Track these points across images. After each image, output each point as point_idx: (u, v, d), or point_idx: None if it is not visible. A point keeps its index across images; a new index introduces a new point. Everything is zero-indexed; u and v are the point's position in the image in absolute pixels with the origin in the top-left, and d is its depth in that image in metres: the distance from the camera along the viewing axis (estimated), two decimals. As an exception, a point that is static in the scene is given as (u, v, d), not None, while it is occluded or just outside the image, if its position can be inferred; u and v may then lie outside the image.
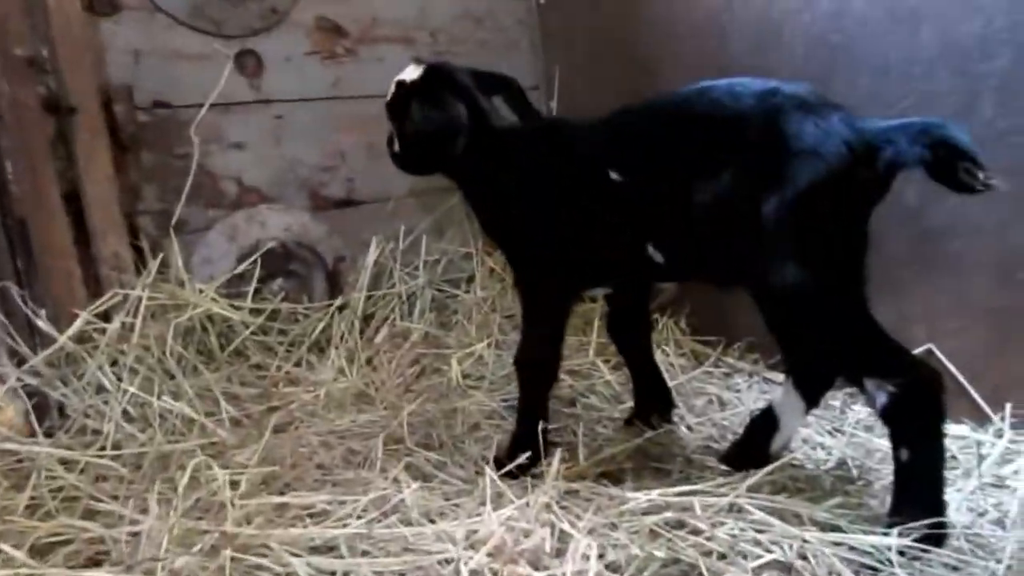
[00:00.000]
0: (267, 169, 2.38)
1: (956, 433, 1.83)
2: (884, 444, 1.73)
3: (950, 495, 1.49)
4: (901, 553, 1.35)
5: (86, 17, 2.00)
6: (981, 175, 1.24)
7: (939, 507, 1.37)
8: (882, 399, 1.34)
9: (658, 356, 2.40)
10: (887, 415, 1.36)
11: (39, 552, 1.46)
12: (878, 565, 1.35)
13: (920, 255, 1.96)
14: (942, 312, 1.95)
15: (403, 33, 2.62)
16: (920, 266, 1.97)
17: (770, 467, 1.63)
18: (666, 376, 2.06)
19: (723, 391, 2.20)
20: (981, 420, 1.85)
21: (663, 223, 1.54)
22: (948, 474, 1.55)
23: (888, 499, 1.46)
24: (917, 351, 1.94)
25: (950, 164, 1.25)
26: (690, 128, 1.48)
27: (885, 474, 1.67)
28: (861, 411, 1.96)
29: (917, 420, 1.36)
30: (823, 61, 2.08)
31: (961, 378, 1.90)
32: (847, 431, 1.87)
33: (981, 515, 1.54)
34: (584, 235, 1.67)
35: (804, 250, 1.35)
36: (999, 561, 1.37)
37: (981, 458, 1.69)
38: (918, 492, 1.39)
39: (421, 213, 2.65)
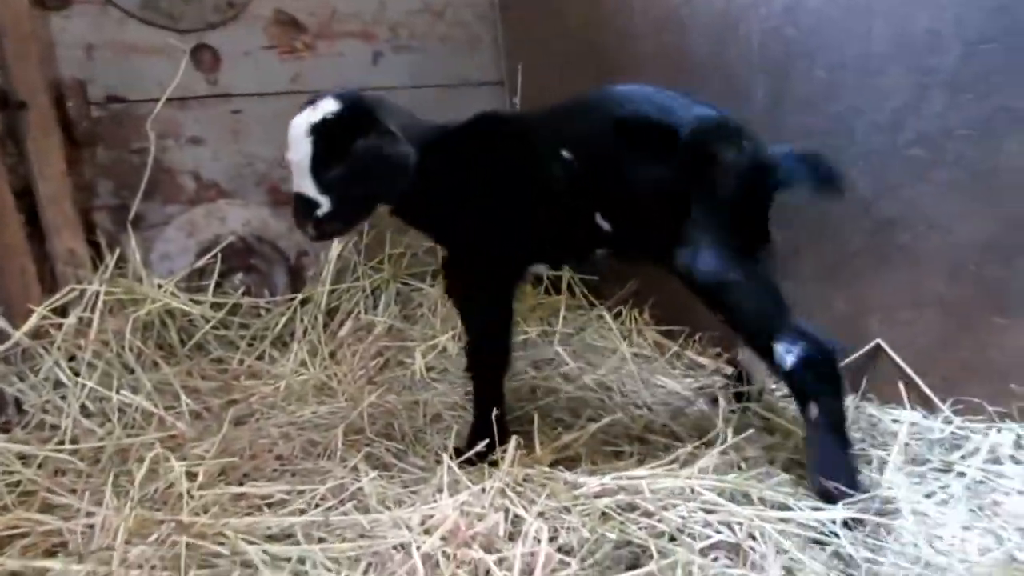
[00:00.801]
0: (226, 164, 2.37)
1: (907, 419, 1.89)
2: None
3: (901, 478, 1.58)
4: (847, 526, 1.43)
5: (35, 11, 1.98)
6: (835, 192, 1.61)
7: (852, 463, 1.56)
8: (790, 360, 1.53)
9: (622, 347, 2.46)
10: (795, 374, 1.54)
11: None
12: (825, 539, 1.40)
13: (872, 247, 2.00)
14: (894, 304, 1.99)
15: (362, 27, 2.62)
16: (872, 258, 2.01)
17: (720, 447, 1.69)
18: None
19: (681, 380, 2.25)
20: (931, 409, 1.91)
21: (609, 195, 1.70)
22: (900, 458, 1.66)
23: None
24: (867, 347, 1.99)
25: (825, 187, 1.60)
26: (634, 122, 1.67)
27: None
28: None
29: (822, 376, 1.55)
30: (779, 55, 2.11)
31: (909, 370, 1.95)
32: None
33: (928, 496, 1.59)
34: (537, 211, 1.77)
35: (720, 241, 1.61)
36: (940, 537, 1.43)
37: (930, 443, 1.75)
38: (839, 452, 1.55)
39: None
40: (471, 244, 1.85)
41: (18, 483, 1.68)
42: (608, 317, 2.59)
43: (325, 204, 1.65)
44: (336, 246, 2.49)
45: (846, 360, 2.02)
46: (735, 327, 1.69)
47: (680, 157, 1.63)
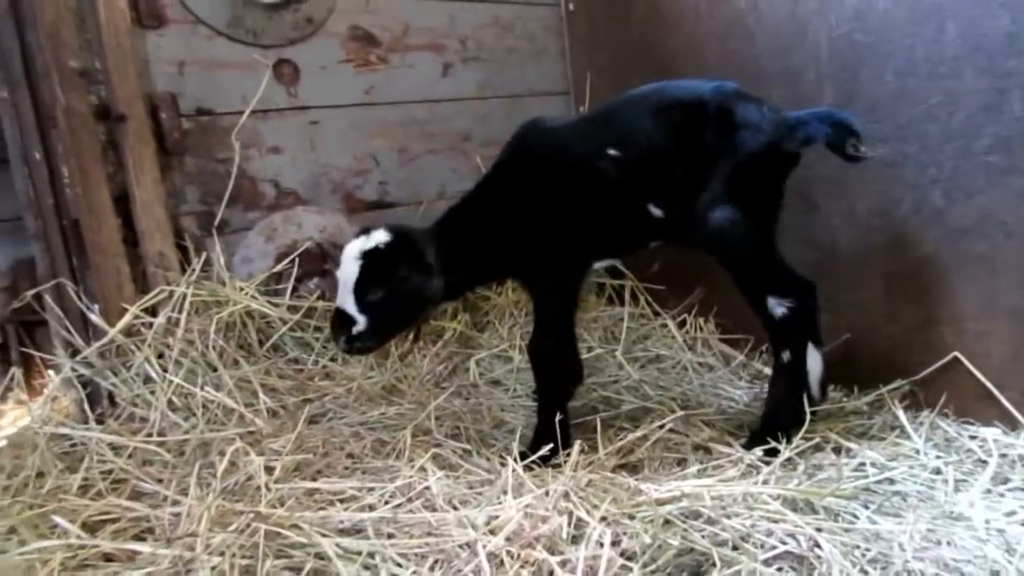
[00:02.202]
0: (303, 173, 2.47)
1: (986, 435, 1.85)
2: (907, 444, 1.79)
3: (979, 496, 1.58)
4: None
5: (134, 30, 2.11)
6: (863, 148, 1.73)
7: (803, 402, 1.82)
8: (780, 311, 1.81)
9: (687, 356, 2.46)
10: (782, 323, 1.81)
11: (89, 528, 1.56)
12: (891, 553, 1.39)
13: (945, 256, 1.97)
14: (968, 315, 1.95)
15: (433, 41, 2.70)
16: (945, 268, 1.97)
17: (785, 454, 1.70)
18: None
19: (746, 390, 2.24)
20: (1012, 424, 1.85)
21: (656, 181, 1.85)
22: (978, 477, 1.65)
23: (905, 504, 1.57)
24: (943, 361, 1.97)
25: (842, 140, 1.72)
26: (664, 108, 1.85)
27: (902, 473, 1.70)
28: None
29: (801, 328, 1.82)
30: (848, 61, 2.10)
31: (988, 384, 1.91)
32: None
33: (1009, 515, 1.55)
34: (592, 210, 1.90)
35: (738, 196, 1.77)
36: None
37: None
38: (794, 391, 1.84)
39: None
40: (537, 253, 1.91)
41: (110, 471, 1.79)
42: (672, 326, 2.60)
43: (361, 323, 1.82)
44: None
45: (922, 374, 2.00)
46: (735, 276, 1.86)
47: (705, 121, 1.79)
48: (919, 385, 2.03)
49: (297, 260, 2.37)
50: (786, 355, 1.84)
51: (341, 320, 1.83)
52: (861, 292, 2.16)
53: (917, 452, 1.80)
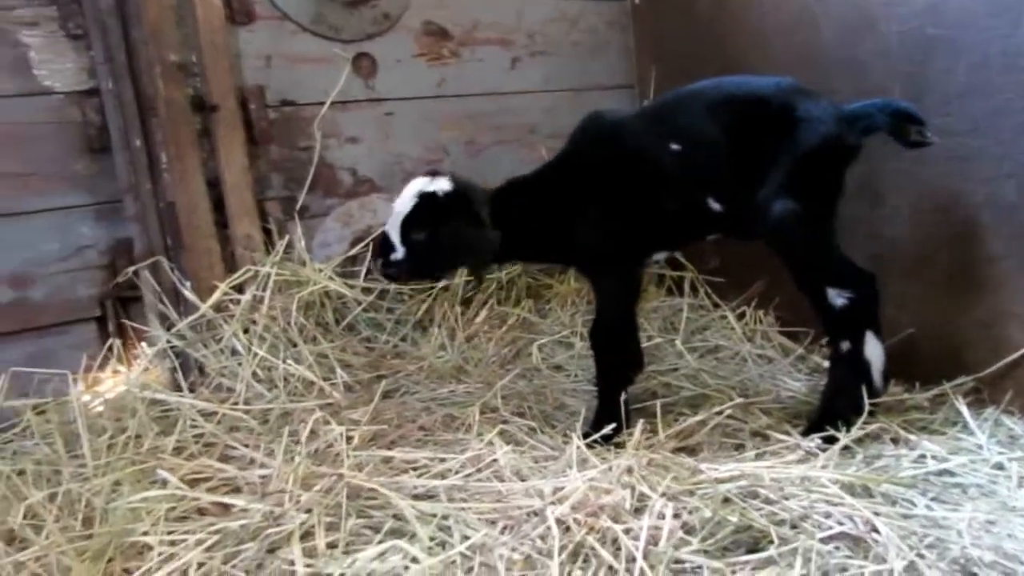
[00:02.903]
0: (378, 161, 2.60)
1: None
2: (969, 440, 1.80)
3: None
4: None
5: (227, 27, 2.26)
6: (928, 134, 1.78)
7: (862, 392, 1.85)
8: (840, 302, 1.84)
9: (746, 347, 2.50)
10: (841, 313, 1.84)
11: (186, 484, 1.69)
12: (949, 539, 1.42)
13: (1015, 253, 1.96)
14: (1040, 310, 1.94)
15: (502, 35, 2.79)
16: (1014, 264, 1.97)
17: (843, 442, 1.73)
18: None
19: (804, 382, 2.27)
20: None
21: (717, 176, 1.90)
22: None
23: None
24: (1011, 358, 1.97)
25: (904, 127, 1.79)
26: (726, 103, 1.90)
27: (963, 466, 1.72)
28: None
29: (861, 319, 1.85)
30: (918, 54, 2.09)
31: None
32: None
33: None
34: (654, 203, 1.95)
35: (799, 190, 1.80)
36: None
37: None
38: (854, 381, 1.86)
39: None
40: (598, 243, 1.98)
41: (201, 435, 1.93)
42: (732, 318, 2.63)
43: (400, 254, 1.93)
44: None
45: (987, 371, 2.00)
46: (793, 268, 1.90)
47: (766, 117, 1.84)
48: (983, 382, 2.03)
49: (371, 245, 2.49)
50: (845, 345, 1.87)
51: (385, 244, 1.94)
52: (926, 287, 2.16)
53: (979, 447, 1.79)
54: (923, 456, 1.76)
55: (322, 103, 2.44)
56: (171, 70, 2.14)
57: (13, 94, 2.14)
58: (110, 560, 1.46)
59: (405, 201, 1.91)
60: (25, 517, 1.59)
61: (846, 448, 1.77)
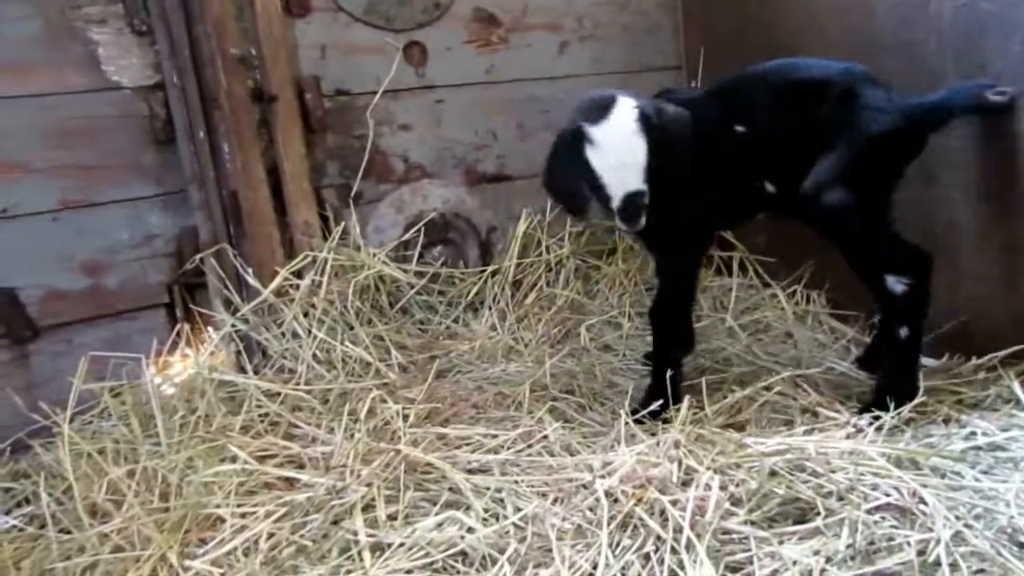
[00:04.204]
0: (429, 148, 2.66)
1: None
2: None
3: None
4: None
5: (284, 19, 2.34)
6: (1004, 91, 1.81)
7: (918, 375, 1.90)
8: (899, 288, 1.85)
9: (796, 327, 2.49)
10: (902, 300, 1.86)
11: (255, 460, 1.79)
12: (996, 509, 1.43)
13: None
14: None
15: (550, 20, 2.81)
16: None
17: (891, 419, 1.75)
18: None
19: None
20: None
21: (776, 159, 1.90)
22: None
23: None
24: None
25: (979, 95, 1.82)
26: (791, 87, 1.88)
27: (1014, 440, 1.71)
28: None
29: (919, 305, 1.87)
30: (972, 31, 2.06)
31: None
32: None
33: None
34: (720, 183, 1.96)
35: (853, 176, 1.75)
36: None
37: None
38: (910, 364, 1.90)
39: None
40: (667, 221, 1.94)
41: (266, 414, 2.03)
42: (782, 297, 2.63)
43: (646, 193, 1.77)
44: (522, 223, 2.72)
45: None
46: (847, 256, 1.92)
47: (830, 103, 1.81)
48: (1040, 356, 2.01)
49: (423, 229, 2.57)
50: (904, 331, 1.88)
51: (634, 202, 1.76)
52: (980, 265, 2.14)
53: (1032, 423, 1.79)
54: (973, 433, 1.75)
55: (375, 92, 2.51)
56: (232, 63, 2.23)
57: (84, 89, 2.25)
58: (187, 531, 1.56)
59: (627, 145, 1.73)
60: (106, 492, 1.71)
61: (895, 427, 1.78)
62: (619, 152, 1.74)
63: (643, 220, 1.78)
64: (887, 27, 2.28)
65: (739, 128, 1.92)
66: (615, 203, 1.77)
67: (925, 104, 1.82)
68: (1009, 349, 2.01)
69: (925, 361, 2.13)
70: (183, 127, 2.29)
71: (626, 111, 1.74)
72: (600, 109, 1.76)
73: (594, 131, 1.74)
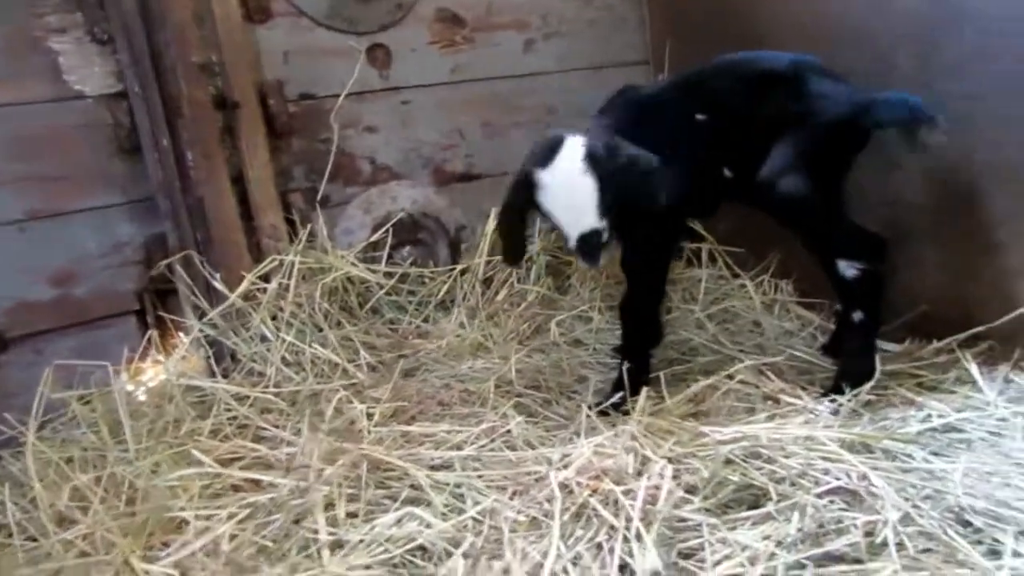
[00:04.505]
0: (396, 149, 2.68)
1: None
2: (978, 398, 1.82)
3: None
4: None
5: (245, 25, 2.35)
6: (934, 137, 1.76)
7: (875, 358, 1.91)
8: (851, 273, 1.89)
9: (763, 316, 2.52)
10: (855, 285, 1.90)
11: (221, 464, 1.80)
12: (946, 490, 1.45)
13: (1021, 212, 1.96)
14: (1047, 269, 1.94)
15: (515, 18, 2.83)
16: (1020, 223, 1.97)
17: (850, 404, 1.79)
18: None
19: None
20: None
21: (732, 146, 1.96)
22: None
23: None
24: (1015, 313, 1.96)
25: (914, 129, 1.77)
26: (746, 77, 1.95)
27: (969, 421, 1.74)
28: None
29: (873, 289, 1.91)
30: (928, 19, 2.09)
31: (1062, 335, 1.90)
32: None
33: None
34: (683, 173, 1.97)
35: (806, 164, 1.83)
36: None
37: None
38: (866, 347, 1.93)
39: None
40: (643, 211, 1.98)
41: (235, 417, 2.04)
42: (750, 286, 2.65)
43: (603, 230, 1.78)
44: (492, 221, 2.73)
45: (998, 322, 1.99)
46: (803, 241, 1.97)
47: (780, 91, 1.88)
48: (996, 340, 2.03)
49: (392, 230, 2.59)
50: (858, 315, 1.92)
51: (590, 241, 1.77)
52: (940, 248, 2.17)
53: (988, 404, 1.81)
54: (929, 415, 1.78)
55: (339, 95, 2.53)
56: (193, 71, 2.25)
57: (47, 99, 2.25)
58: (151, 535, 1.57)
59: (577, 185, 1.75)
60: (72, 499, 1.71)
61: (854, 411, 1.81)
62: (568, 193, 1.76)
63: (602, 259, 1.82)
64: (844, 17, 2.30)
65: (700, 117, 1.97)
66: (571, 243, 1.81)
67: (876, 99, 1.84)
68: (968, 332, 2.05)
69: (887, 346, 2.18)
70: (147, 135, 2.30)
71: (573, 151, 1.76)
72: (548, 151, 1.79)
73: (542, 174, 1.77)
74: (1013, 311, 1.98)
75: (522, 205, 1.85)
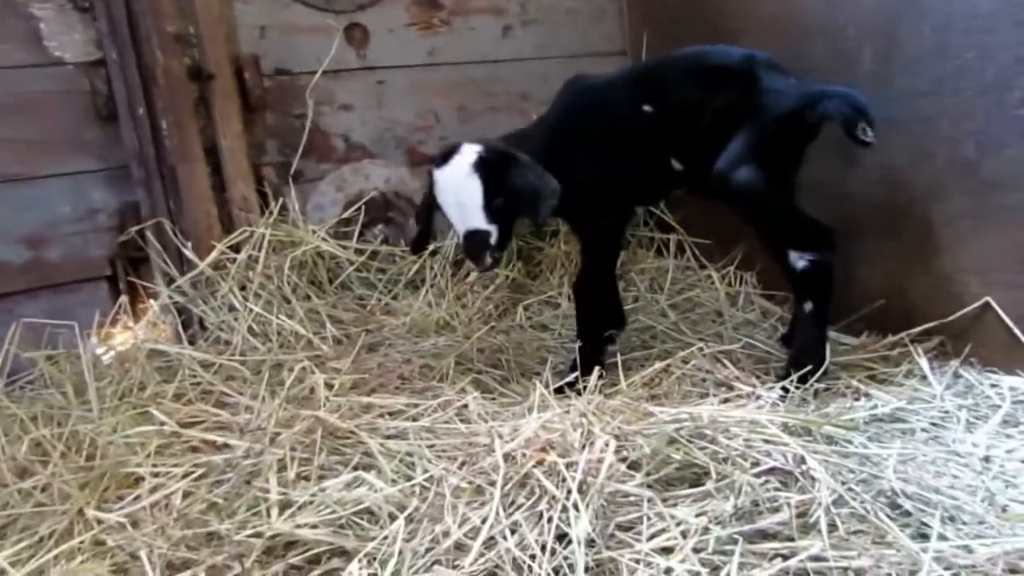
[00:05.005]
0: (371, 128, 2.72)
1: (1012, 385, 1.91)
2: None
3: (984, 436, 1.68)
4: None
5: (222, -1, 2.38)
6: (871, 134, 1.79)
7: (825, 349, 1.97)
8: (802, 264, 1.93)
9: (727, 306, 2.57)
10: (805, 276, 1.93)
11: (181, 427, 1.84)
12: (882, 476, 1.50)
13: (977, 208, 2.01)
14: (998, 266, 1.99)
15: (494, 4, 2.87)
16: (976, 219, 2.02)
17: (799, 392, 1.85)
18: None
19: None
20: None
21: (682, 138, 2.01)
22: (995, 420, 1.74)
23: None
24: (973, 305, 2.02)
25: (855, 123, 1.79)
26: (695, 71, 2.01)
27: (913, 413, 1.80)
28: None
29: (823, 280, 1.94)
30: (888, 16, 2.14)
31: (1016, 330, 1.95)
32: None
33: (1009, 452, 1.63)
34: (631, 162, 2.06)
35: (760, 157, 1.89)
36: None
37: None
38: (816, 337, 1.97)
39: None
40: (584, 199, 2.07)
41: (199, 383, 2.08)
42: (716, 278, 2.70)
43: (493, 234, 1.88)
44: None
45: (950, 317, 2.05)
46: (757, 232, 2.02)
47: (732, 86, 1.93)
48: (948, 335, 2.08)
49: (364, 208, 2.63)
50: (808, 306, 1.97)
51: (477, 240, 1.87)
52: (897, 244, 2.22)
53: (934, 397, 1.86)
54: (876, 405, 1.83)
55: (315, 72, 2.55)
56: (169, 41, 2.27)
57: (27, 64, 2.28)
58: (106, 489, 1.62)
59: (465, 186, 1.86)
60: (34, 454, 1.75)
61: (803, 399, 1.86)
62: (455, 192, 1.88)
63: (489, 261, 1.88)
64: (813, 12, 2.35)
65: (647, 108, 2.03)
66: (460, 240, 1.93)
67: (822, 92, 1.88)
68: (920, 327, 2.10)
69: (843, 339, 2.24)
70: (124, 104, 2.33)
71: (466, 156, 1.88)
72: (447, 154, 1.93)
73: (438, 173, 1.92)
74: (962, 306, 2.04)
75: (428, 200, 1.99)
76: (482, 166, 1.86)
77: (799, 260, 1.93)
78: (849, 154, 2.28)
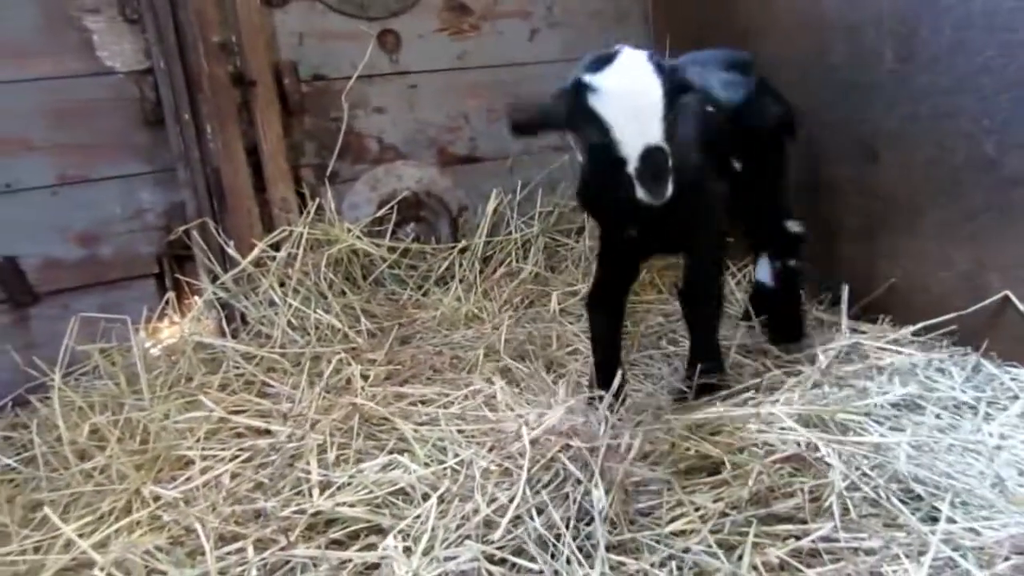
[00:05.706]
0: (403, 130, 2.82)
1: (1024, 375, 1.94)
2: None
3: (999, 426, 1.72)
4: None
5: (262, 8, 2.50)
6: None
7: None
8: (775, 267, 2.14)
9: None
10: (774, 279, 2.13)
11: (228, 414, 1.96)
12: (894, 463, 1.56)
13: (997, 205, 2.03)
14: (1018, 259, 2.02)
15: (521, 7, 2.95)
16: (996, 216, 2.04)
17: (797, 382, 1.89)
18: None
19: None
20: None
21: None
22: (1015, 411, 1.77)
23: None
24: (993, 299, 2.05)
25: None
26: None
27: (940, 407, 1.83)
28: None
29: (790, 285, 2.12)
30: (909, 14, 2.16)
31: (1036, 325, 1.98)
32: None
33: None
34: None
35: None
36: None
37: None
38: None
39: (536, 169, 3.00)
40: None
41: (242, 374, 2.20)
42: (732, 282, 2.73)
43: (669, 154, 1.49)
44: (492, 202, 2.87)
45: (970, 309, 2.07)
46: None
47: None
48: (967, 329, 2.12)
49: (396, 207, 2.73)
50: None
51: (658, 161, 1.48)
52: (917, 239, 2.25)
53: (953, 388, 1.90)
54: (893, 393, 1.87)
55: (350, 77, 2.67)
56: (213, 49, 2.39)
57: (82, 74, 2.41)
58: (160, 470, 1.74)
59: (641, 83, 1.49)
60: (92, 439, 1.88)
61: (817, 387, 1.91)
62: (632, 97, 1.49)
63: (669, 189, 1.49)
64: (834, 12, 2.38)
65: None
66: (632, 164, 1.49)
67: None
68: (940, 318, 2.14)
69: (863, 327, 2.27)
70: (170, 109, 2.45)
71: (635, 58, 1.53)
72: (603, 60, 1.55)
73: (598, 78, 1.51)
74: (982, 300, 2.07)
75: (556, 116, 1.59)
76: (660, 69, 1.52)
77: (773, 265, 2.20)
78: (873, 151, 2.31)
